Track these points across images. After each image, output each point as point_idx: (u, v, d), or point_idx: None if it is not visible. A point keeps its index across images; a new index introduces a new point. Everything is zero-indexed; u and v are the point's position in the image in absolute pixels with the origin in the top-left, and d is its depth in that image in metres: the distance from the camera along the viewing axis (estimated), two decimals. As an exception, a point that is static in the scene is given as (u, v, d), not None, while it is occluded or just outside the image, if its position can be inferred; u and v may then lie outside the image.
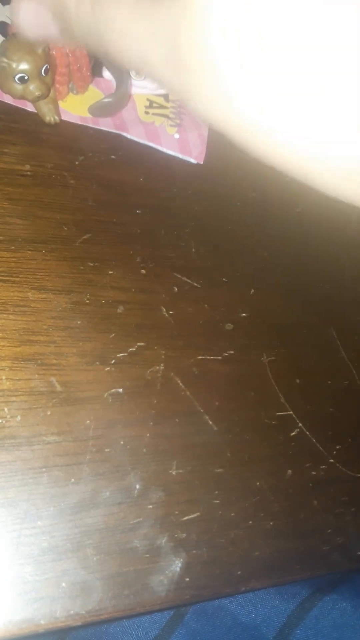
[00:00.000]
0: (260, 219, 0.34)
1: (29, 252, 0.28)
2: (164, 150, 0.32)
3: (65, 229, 0.29)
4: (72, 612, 0.23)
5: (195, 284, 0.30)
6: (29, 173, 0.29)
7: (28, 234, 0.28)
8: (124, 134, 0.32)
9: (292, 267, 0.33)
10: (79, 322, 0.27)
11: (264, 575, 0.26)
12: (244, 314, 0.31)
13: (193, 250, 0.31)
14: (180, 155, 0.33)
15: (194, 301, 0.30)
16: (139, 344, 0.28)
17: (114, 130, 0.31)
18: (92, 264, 0.29)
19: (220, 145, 0.35)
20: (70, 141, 0.31)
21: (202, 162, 0.33)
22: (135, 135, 0.32)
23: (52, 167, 0.30)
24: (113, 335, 0.28)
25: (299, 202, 0.35)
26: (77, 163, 0.30)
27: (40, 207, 0.29)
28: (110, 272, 0.29)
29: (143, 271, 0.30)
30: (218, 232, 0.32)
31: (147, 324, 0.29)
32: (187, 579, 0.25)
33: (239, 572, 0.26)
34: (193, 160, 0.33)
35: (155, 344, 0.28)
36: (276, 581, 0.27)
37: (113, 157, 0.31)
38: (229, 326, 0.30)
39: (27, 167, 0.29)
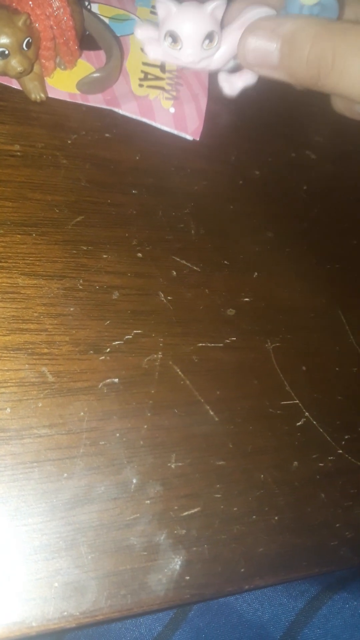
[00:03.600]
0: (265, 198, 0.32)
1: (19, 235, 0.26)
2: (158, 126, 0.31)
3: (57, 211, 0.27)
4: (65, 613, 0.22)
5: (195, 268, 0.29)
6: (18, 153, 0.28)
7: (17, 217, 0.27)
8: (116, 110, 0.30)
9: (298, 248, 0.32)
10: (71, 309, 0.26)
11: (269, 573, 0.25)
12: (246, 299, 0.29)
13: (192, 232, 0.30)
14: (175, 132, 0.31)
15: (193, 286, 0.29)
16: (135, 331, 0.27)
17: (104, 106, 0.30)
18: (85, 248, 0.27)
19: (220, 122, 0.33)
20: (62, 119, 0.29)
21: (198, 139, 0.31)
22: (127, 110, 0.30)
23: (43, 147, 0.28)
24: (108, 322, 0.26)
25: (305, 179, 0.34)
26: (69, 142, 0.29)
27: (31, 189, 0.27)
28: (105, 255, 0.27)
29: (139, 254, 0.28)
30: (219, 212, 0.31)
31: (144, 310, 0.27)
32: (187, 578, 0.24)
33: (242, 570, 0.25)
34: (189, 137, 0.31)
35: (153, 331, 0.27)
36: (282, 578, 0.25)
37: (107, 135, 0.30)
38: (230, 311, 0.29)
39: (17, 147, 0.28)
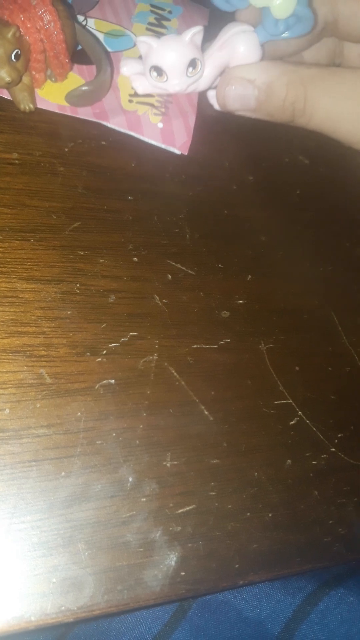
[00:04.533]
0: (258, 202, 0.33)
1: (17, 241, 0.27)
2: (146, 140, 0.31)
3: (54, 217, 0.28)
4: (63, 608, 0.23)
5: (190, 271, 0.30)
6: (16, 161, 0.29)
7: (16, 223, 0.27)
8: (104, 123, 0.31)
9: (291, 251, 0.32)
10: (69, 312, 0.27)
11: (263, 569, 0.26)
12: (240, 301, 0.30)
13: (187, 236, 0.30)
14: (162, 146, 0.31)
15: (188, 289, 0.29)
16: (131, 333, 0.27)
17: (93, 119, 0.30)
18: (82, 253, 0.28)
19: (214, 128, 0.34)
20: (59, 128, 0.30)
21: (186, 153, 0.32)
22: (115, 124, 0.31)
23: (41, 155, 0.29)
24: (104, 325, 0.27)
25: (298, 184, 0.34)
26: (66, 150, 0.30)
27: (29, 196, 0.28)
28: (101, 260, 0.28)
29: (135, 259, 0.29)
30: (213, 217, 0.31)
31: (139, 313, 0.28)
32: (183, 573, 0.24)
33: (237, 566, 0.25)
34: (177, 151, 0.32)
35: (149, 333, 0.28)
36: (275, 574, 0.26)
37: (103, 142, 0.31)
38: (225, 313, 0.29)
39: (15, 155, 0.29)
